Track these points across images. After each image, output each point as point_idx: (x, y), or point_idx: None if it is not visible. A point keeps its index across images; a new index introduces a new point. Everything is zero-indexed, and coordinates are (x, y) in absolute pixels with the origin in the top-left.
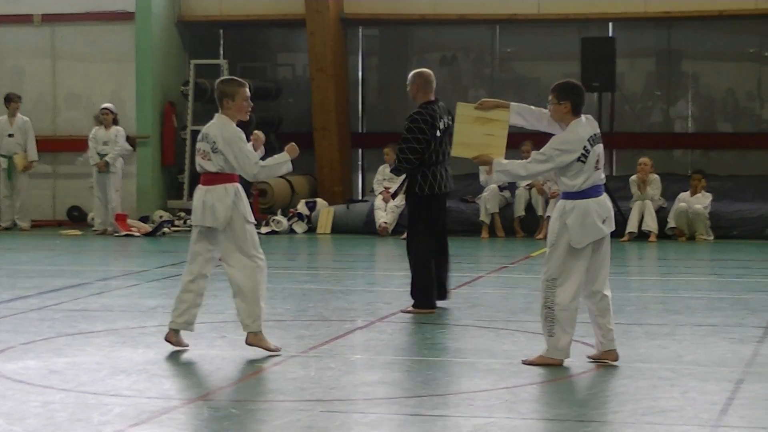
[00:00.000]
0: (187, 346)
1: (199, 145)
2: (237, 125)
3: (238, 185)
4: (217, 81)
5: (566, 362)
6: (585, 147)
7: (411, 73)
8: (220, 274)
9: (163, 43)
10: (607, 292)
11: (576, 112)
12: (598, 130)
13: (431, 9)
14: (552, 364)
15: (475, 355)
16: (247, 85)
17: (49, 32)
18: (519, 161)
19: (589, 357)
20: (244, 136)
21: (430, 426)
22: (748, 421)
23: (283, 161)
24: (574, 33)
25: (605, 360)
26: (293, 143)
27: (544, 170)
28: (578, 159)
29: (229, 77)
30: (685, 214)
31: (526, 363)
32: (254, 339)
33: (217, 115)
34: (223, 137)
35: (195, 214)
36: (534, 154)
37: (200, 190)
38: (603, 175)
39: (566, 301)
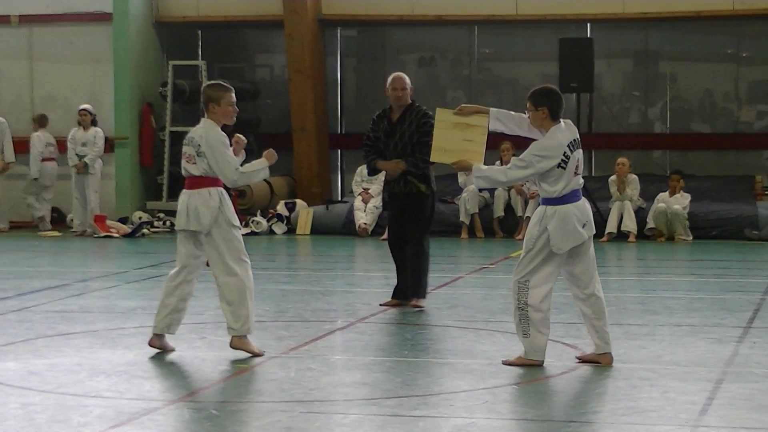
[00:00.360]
0: (173, 349)
1: (184, 148)
2: (222, 129)
3: (222, 189)
4: (204, 85)
5: (546, 363)
6: (565, 153)
7: (404, 78)
8: (201, 275)
9: (140, 44)
10: (600, 294)
11: (554, 117)
12: (578, 135)
13: (409, 10)
14: (532, 365)
15: (454, 356)
16: (233, 90)
17: (26, 33)
18: (498, 167)
19: (578, 358)
20: (227, 141)
21: (411, 427)
22: (727, 421)
23: (261, 168)
24: (552, 34)
25: (597, 362)
26: (272, 149)
27: (524, 176)
28: (558, 165)
29: (215, 82)
30: (663, 214)
31: (506, 363)
32: (238, 342)
33: (203, 119)
34: (207, 141)
35: (179, 218)
36: (514, 160)
37: (185, 194)
38: (582, 180)
39: (538, 302)
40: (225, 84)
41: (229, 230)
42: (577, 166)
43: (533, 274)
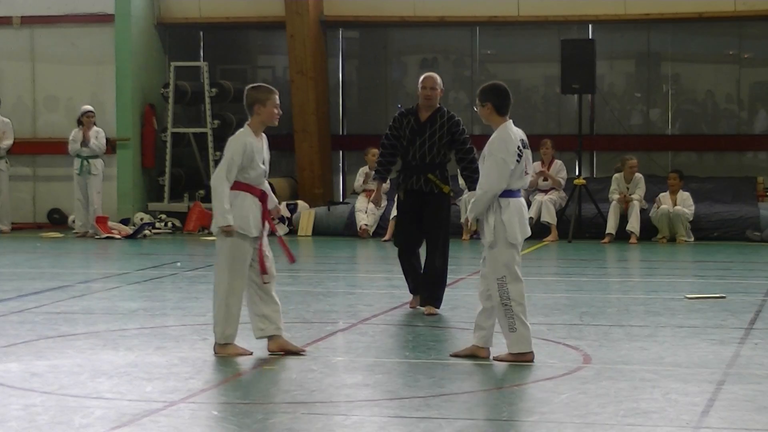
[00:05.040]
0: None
1: None
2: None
3: (245, 194)
4: (247, 87)
5: (549, 364)
6: (519, 147)
7: (435, 77)
8: (200, 276)
9: (142, 46)
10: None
11: (500, 113)
12: (525, 138)
13: (411, 11)
14: (525, 360)
15: (456, 357)
16: (278, 92)
17: (28, 34)
18: (478, 193)
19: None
20: (242, 149)
21: (413, 428)
22: (729, 422)
23: (221, 211)
24: (554, 35)
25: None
26: (231, 229)
27: (506, 174)
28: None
29: (259, 84)
30: (666, 215)
31: (498, 360)
32: (218, 350)
33: (246, 124)
34: (228, 143)
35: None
36: (489, 167)
37: None
38: (527, 182)
39: (518, 295)
40: (269, 87)
41: (221, 237)
42: (526, 165)
43: (507, 269)
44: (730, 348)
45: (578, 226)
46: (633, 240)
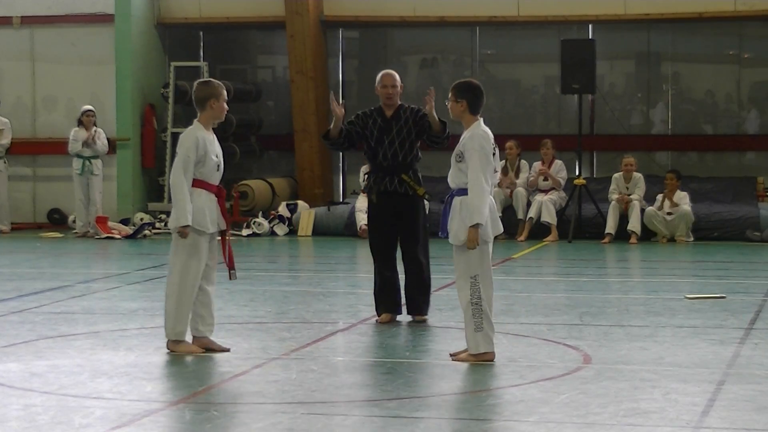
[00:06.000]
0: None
1: None
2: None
3: (200, 190)
4: (197, 83)
5: (549, 364)
6: (493, 144)
7: (394, 75)
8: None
9: (142, 46)
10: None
11: (473, 112)
12: (492, 137)
13: (411, 11)
14: (486, 360)
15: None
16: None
17: (28, 34)
18: (473, 197)
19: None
20: (195, 144)
21: (412, 428)
22: (729, 422)
23: (181, 210)
24: (554, 35)
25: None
26: (187, 233)
27: (490, 170)
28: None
29: (208, 79)
30: (662, 217)
31: (456, 359)
32: (171, 346)
33: (195, 121)
34: (180, 140)
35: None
36: (473, 166)
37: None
38: (497, 181)
39: (490, 294)
40: (219, 82)
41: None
42: (496, 164)
43: (479, 268)
44: (730, 348)
45: (578, 226)
46: (633, 240)
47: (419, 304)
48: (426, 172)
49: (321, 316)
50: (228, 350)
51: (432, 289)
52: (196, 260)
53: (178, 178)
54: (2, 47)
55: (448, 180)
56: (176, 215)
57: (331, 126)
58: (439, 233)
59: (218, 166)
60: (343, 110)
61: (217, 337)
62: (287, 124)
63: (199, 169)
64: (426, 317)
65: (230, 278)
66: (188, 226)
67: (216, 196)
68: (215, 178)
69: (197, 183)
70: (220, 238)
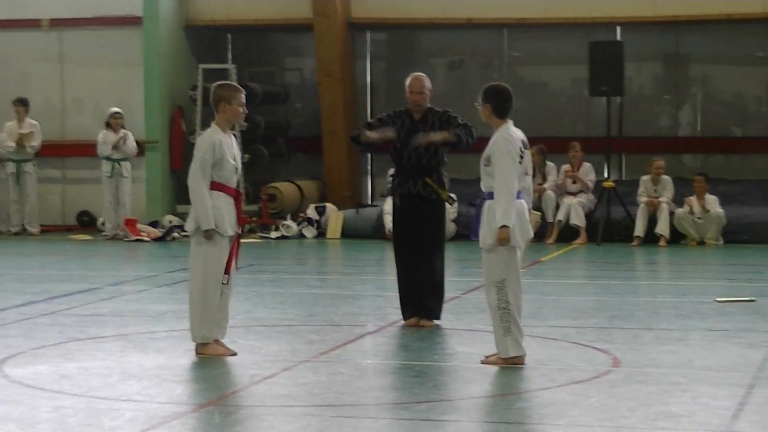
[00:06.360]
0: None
1: None
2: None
3: (218, 193)
4: (214, 85)
5: (578, 367)
6: (520, 148)
7: (423, 81)
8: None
9: (170, 48)
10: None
11: (499, 116)
12: (526, 139)
13: (439, 13)
14: (517, 364)
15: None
16: (244, 92)
17: (57, 37)
18: (498, 200)
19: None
20: (211, 147)
21: (441, 431)
22: (759, 426)
23: (203, 214)
24: (582, 37)
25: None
26: (212, 236)
27: (515, 175)
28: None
29: (226, 82)
30: (692, 219)
31: (488, 363)
32: (200, 350)
33: (212, 123)
34: (197, 143)
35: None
36: (500, 170)
37: None
38: (528, 183)
39: (518, 299)
40: (235, 85)
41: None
42: (527, 167)
43: (506, 273)
44: (760, 351)
45: (607, 229)
46: (662, 243)
47: (432, 308)
48: (454, 175)
49: (349, 318)
50: (235, 354)
51: (460, 292)
52: (216, 264)
53: (196, 182)
54: (31, 50)
55: (480, 184)
56: (198, 219)
57: (371, 134)
58: (471, 236)
59: (236, 168)
60: (394, 135)
61: (246, 340)
62: (315, 127)
63: (217, 172)
64: (433, 323)
65: (223, 281)
66: (212, 230)
67: (234, 199)
68: (233, 181)
69: (215, 186)
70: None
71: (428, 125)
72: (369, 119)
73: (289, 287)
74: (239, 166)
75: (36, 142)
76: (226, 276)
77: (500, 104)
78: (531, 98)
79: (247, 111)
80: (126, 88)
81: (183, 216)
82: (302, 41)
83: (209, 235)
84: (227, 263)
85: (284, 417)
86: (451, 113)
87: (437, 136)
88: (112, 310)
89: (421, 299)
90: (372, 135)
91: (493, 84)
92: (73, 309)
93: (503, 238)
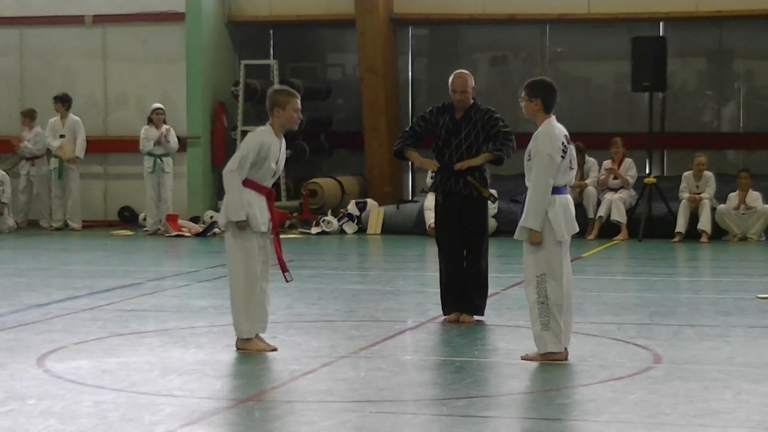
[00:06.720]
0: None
1: None
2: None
3: (250, 190)
4: (270, 89)
5: (619, 363)
6: (563, 143)
7: (466, 79)
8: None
9: (213, 44)
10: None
11: (547, 110)
12: (567, 134)
13: (481, 9)
14: (557, 359)
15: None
16: (299, 96)
17: (100, 33)
18: (530, 199)
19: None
20: (257, 148)
21: (481, 427)
22: None
23: (234, 205)
24: (624, 32)
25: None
26: (244, 227)
27: (552, 173)
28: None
29: (282, 87)
30: (735, 214)
31: (527, 359)
32: (240, 345)
33: (267, 124)
34: (246, 139)
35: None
36: (535, 170)
37: None
38: (571, 177)
39: (559, 295)
40: (291, 90)
41: (232, 233)
42: (571, 161)
43: (548, 266)
44: None
45: (648, 225)
46: (704, 239)
47: (476, 305)
48: (496, 170)
49: (390, 314)
50: (275, 349)
51: (501, 288)
52: (252, 258)
53: (231, 175)
54: (75, 46)
55: (525, 179)
56: (229, 210)
57: (414, 155)
58: (516, 236)
59: (275, 173)
60: (436, 167)
61: (286, 335)
62: (357, 122)
63: (255, 172)
64: (473, 319)
65: (286, 280)
66: (244, 221)
67: (266, 198)
68: (268, 182)
69: (248, 183)
70: (272, 237)
71: (470, 124)
72: (407, 130)
73: (330, 283)
74: (280, 169)
75: (81, 138)
76: (288, 273)
77: (549, 99)
78: (573, 94)
79: (301, 117)
80: (168, 84)
81: None
82: (344, 37)
83: (242, 225)
84: (279, 261)
85: (324, 412)
86: (494, 114)
87: (478, 161)
88: (153, 306)
89: (464, 295)
90: (415, 157)
91: (537, 79)
92: (115, 304)
93: (534, 240)
